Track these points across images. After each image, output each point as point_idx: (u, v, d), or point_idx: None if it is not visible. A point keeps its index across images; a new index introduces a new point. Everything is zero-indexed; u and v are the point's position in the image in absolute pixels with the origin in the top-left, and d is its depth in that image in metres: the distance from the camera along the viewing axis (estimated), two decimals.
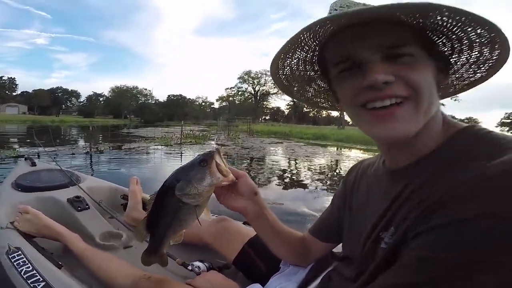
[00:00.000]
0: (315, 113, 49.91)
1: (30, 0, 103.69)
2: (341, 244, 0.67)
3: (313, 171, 5.23)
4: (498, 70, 0.42)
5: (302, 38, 0.41)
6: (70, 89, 63.94)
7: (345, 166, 5.99)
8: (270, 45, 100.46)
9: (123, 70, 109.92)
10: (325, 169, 5.50)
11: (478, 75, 0.44)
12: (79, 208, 1.46)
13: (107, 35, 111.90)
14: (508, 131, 48.23)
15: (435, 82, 0.40)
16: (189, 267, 1.02)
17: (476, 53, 0.40)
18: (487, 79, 0.44)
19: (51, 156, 4.70)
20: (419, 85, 0.37)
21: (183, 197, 0.54)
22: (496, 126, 50.51)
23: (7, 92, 53.68)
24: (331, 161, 6.91)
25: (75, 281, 0.93)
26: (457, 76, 0.46)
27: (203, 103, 66.57)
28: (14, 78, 56.56)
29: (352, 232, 0.58)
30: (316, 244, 0.73)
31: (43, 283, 0.91)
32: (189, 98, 64.04)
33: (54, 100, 59.41)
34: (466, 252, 0.30)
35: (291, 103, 47.61)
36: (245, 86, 51.57)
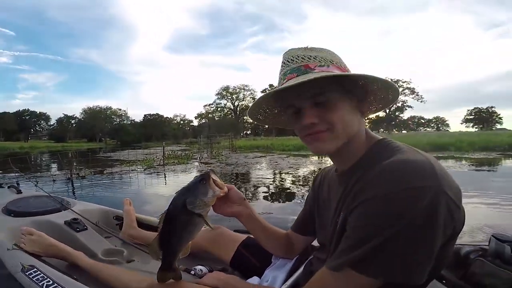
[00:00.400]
0: None
1: None
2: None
3: (297, 180, 5.44)
4: (396, 98, 0.63)
5: (262, 100, 0.64)
6: (38, 112, 60.36)
7: None
8: (246, 59, 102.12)
9: (95, 90, 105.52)
10: (309, 177, 5.69)
11: (387, 101, 0.65)
12: (78, 229, 1.53)
13: (76, 53, 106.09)
14: (472, 126, 51.97)
15: (354, 111, 0.58)
16: (192, 272, 1.13)
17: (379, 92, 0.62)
18: (393, 103, 0.65)
19: (33, 182, 4.52)
20: (334, 122, 0.55)
21: (194, 209, 0.68)
22: (461, 123, 54.74)
23: None
24: (314, 170, 7.16)
25: None
26: (375, 103, 0.65)
27: (182, 122, 65.82)
28: None
29: (321, 223, 0.75)
30: (297, 238, 0.90)
31: None
32: (167, 117, 62.95)
33: (21, 124, 55.91)
34: (368, 220, 0.48)
35: None
36: (224, 102, 52.00)
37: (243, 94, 49.02)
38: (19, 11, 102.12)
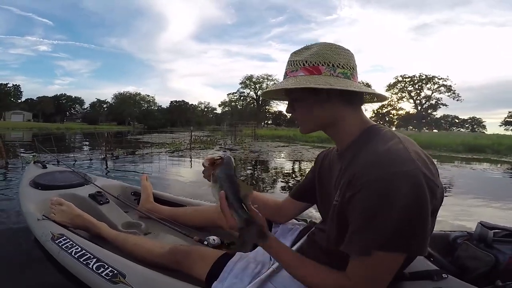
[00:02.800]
0: None
1: (33, 7, 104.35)
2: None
3: None
4: (384, 99, 0.75)
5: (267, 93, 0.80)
6: (73, 96, 64.11)
7: None
8: (270, 50, 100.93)
9: (125, 77, 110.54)
10: None
11: (375, 99, 0.76)
12: (101, 202, 1.62)
13: (109, 42, 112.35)
14: None
15: (322, 105, 0.68)
16: (205, 242, 1.23)
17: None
18: (382, 100, 0.76)
19: (71, 161, 4.83)
20: (297, 115, 0.72)
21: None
22: (500, 125, 50.53)
23: (12, 99, 53.80)
24: None
25: (118, 256, 1.04)
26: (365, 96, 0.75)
27: (206, 109, 66.82)
28: (18, 85, 56.43)
29: (322, 195, 0.84)
30: (292, 204, 1.00)
31: (94, 259, 1.02)
32: (192, 104, 64.33)
33: (58, 107, 59.72)
34: (365, 205, 0.57)
35: None
36: (247, 91, 51.47)
37: (267, 84, 47.98)
38: (56, 2, 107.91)
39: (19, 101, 56.36)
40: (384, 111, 46.54)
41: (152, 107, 61.67)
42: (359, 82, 0.70)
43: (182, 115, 57.47)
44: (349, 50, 0.69)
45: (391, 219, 0.54)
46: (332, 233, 0.69)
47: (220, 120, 51.71)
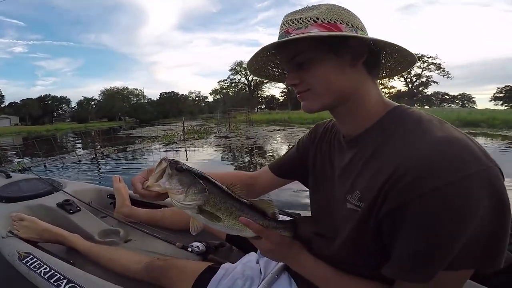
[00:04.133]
0: None
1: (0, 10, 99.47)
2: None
3: None
4: (414, 62, 0.55)
5: (258, 54, 0.57)
6: (59, 96, 62.36)
7: None
8: (258, 35, 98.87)
9: (110, 73, 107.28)
10: None
11: (399, 68, 0.60)
12: (71, 211, 1.47)
13: (88, 39, 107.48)
14: (502, 104, 48.61)
15: (342, 70, 0.52)
16: (189, 249, 1.12)
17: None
18: (411, 66, 0.58)
19: (57, 166, 4.56)
20: (311, 82, 0.53)
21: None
22: (490, 101, 51.07)
23: None
24: None
25: (91, 275, 0.96)
26: (389, 65, 0.60)
27: (197, 98, 65.92)
28: None
29: (318, 186, 0.69)
30: (267, 176, 0.84)
31: (65, 280, 0.94)
32: (182, 94, 63.29)
33: (45, 108, 58.20)
34: (431, 222, 0.41)
35: (285, 90, 47.05)
36: (237, 77, 50.96)
37: None
38: (23, 2, 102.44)
39: (3, 105, 54.81)
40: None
41: (142, 101, 60.49)
42: None
43: (173, 106, 56.60)
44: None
45: (468, 237, 0.41)
46: (344, 243, 0.56)
47: (213, 108, 51.13)
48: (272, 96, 57.72)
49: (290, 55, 0.54)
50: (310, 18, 0.51)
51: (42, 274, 0.99)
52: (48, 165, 4.42)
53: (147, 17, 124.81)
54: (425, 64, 39.54)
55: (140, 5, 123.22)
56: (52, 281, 0.95)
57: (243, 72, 49.41)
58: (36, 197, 1.60)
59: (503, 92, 49.09)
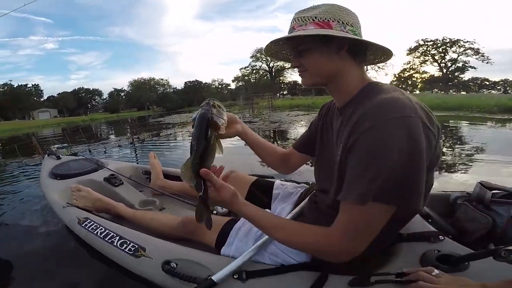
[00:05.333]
0: None
1: (26, 9, 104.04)
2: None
3: None
4: (389, 55, 0.74)
5: (272, 43, 0.76)
6: (91, 88, 65.78)
7: None
8: (277, 21, 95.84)
9: (136, 64, 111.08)
10: None
11: (383, 55, 0.76)
12: (116, 184, 1.72)
13: (113, 32, 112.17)
14: None
15: (331, 57, 0.69)
16: (214, 211, 1.30)
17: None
18: (388, 60, 0.76)
19: (100, 151, 5.05)
20: (307, 65, 0.72)
21: (215, 121, 0.70)
22: None
23: (35, 98, 56.17)
24: None
25: (138, 232, 1.13)
26: (372, 55, 0.77)
27: (220, 86, 66.32)
28: (38, 84, 58.31)
29: (320, 152, 0.88)
30: (296, 156, 1.03)
31: (117, 237, 1.11)
32: (206, 83, 64.04)
33: (79, 100, 61.76)
34: (368, 153, 0.57)
35: None
36: (259, 64, 49.77)
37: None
38: (48, 1, 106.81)
39: (42, 99, 58.69)
40: (406, 74, 43.82)
41: (168, 90, 62.16)
42: None
43: (197, 94, 57.57)
44: (354, 13, 0.72)
45: (386, 167, 0.55)
46: (335, 188, 0.69)
47: (235, 95, 51.12)
48: (295, 82, 56.44)
49: (294, 45, 0.73)
50: (310, 18, 0.68)
51: (98, 234, 1.16)
52: (92, 150, 4.91)
53: (166, 8, 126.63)
54: (461, 49, 35.86)
55: None
56: (107, 239, 1.11)
57: (264, 59, 48.09)
58: (85, 174, 1.86)
59: None
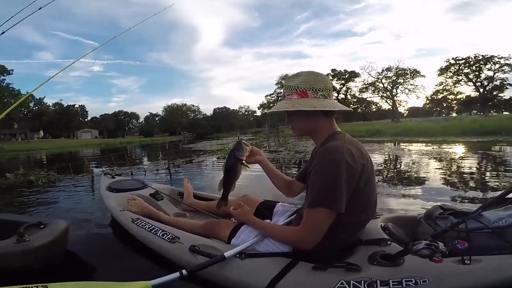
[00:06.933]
0: (363, 108, 47.24)
1: (76, 31, 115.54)
2: None
3: (376, 164, 5.19)
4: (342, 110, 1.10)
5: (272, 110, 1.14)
6: (130, 112, 71.23)
7: (407, 162, 5.73)
8: (302, 47, 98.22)
9: (170, 89, 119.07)
10: (387, 160, 5.40)
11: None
12: (158, 199, 2.27)
13: (151, 57, 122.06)
14: None
15: (309, 119, 1.08)
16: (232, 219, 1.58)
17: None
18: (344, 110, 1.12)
19: (142, 172, 5.59)
20: (294, 125, 1.13)
21: (240, 156, 1.23)
22: None
23: (80, 119, 61.67)
24: (390, 155, 6.77)
25: (174, 228, 1.54)
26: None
27: (246, 112, 68.36)
28: (83, 105, 64.15)
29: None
30: (297, 184, 1.41)
31: (160, 231, 1.52)
32: (233, 109, 66.55)
33: (118, 123, 66.73)
34: (316, 176, 0.98)
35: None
36: (283, 90, 50.92)
37: None
38: (97, 25, 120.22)
39: (86, 120, 64.29)
40: (440, 96, 42.12)
41: (198, 116, 65.49)
42: (335, 98, 1.14)
43: (225, 120, 59.77)
44: (326, 76, 1.08)
45: (324, 185, 0.94)
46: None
47: (261, 122, 52.29)
48: None
49: (286, 111, 1.11)
50: (294, 87, 1.06)
51: (146, 228, 1.59)
52: (134, 172, 5.40)
53: (198, 35, 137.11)
54: (497, 66, 33.83)
55: (191, 24, 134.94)
56: (152, 232, 1.54)
57: None
58: (135, 189, 2.38)
59: None
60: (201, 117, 65.63)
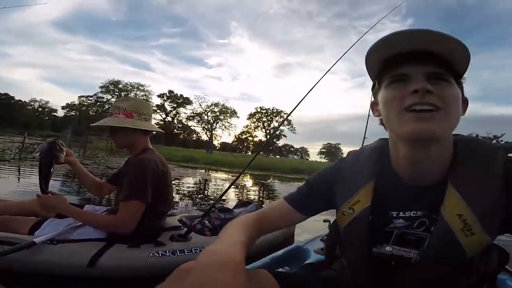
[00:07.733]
0: (185, 135, 49.72)
1: None
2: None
3: (185, 189, 5.73)
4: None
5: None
6: None
7: (213, 185, 6.82)
8: (151, 59, 76.16)
9: None
10: (202, 188, 6.09)
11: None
12: None
13: None
14: (324, 158, 64.68)
15: (132, 134, 1.35)
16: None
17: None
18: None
19: None
20: (118, 140, 1.38)
21: (59, 158, 1.31)
22: (317, 154, 67.83)
23: None
24: (204, 179, 7.73)
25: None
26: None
27: (40, 109, 52.48)
28: None
29: None
30: (107, 186, 1.61)
31: None
32: (19, 100, 48.89)
33: None
34: (128, 177, 1.30)
35: (161, 122, 42.85)
36: (107, 96, 42.43)
37: (135, 94, 40.95)
38: None
39: None
40: (244, 137, 52.55)
41: None
42: (154, 121, 1.47)
43: (3, 112, 42.35)
44: (149, 104, 1.47)
45: (135, 183, 1.24)
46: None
47: (61, 126, 41.54)
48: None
49: (112, 126, 1.34)
50: (122, 108, 1.32)
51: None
52: None
53: None
54: (281, 119, 45.62)
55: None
56: None
57: (116, 93, 41.59)
58: None
59: (325, 148, 66.74)
60: None
